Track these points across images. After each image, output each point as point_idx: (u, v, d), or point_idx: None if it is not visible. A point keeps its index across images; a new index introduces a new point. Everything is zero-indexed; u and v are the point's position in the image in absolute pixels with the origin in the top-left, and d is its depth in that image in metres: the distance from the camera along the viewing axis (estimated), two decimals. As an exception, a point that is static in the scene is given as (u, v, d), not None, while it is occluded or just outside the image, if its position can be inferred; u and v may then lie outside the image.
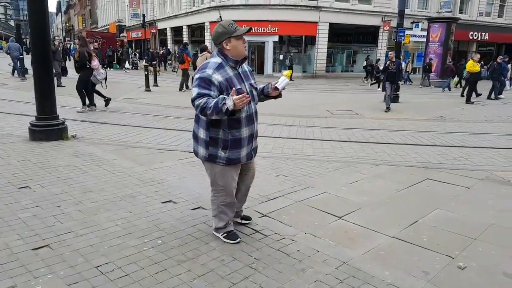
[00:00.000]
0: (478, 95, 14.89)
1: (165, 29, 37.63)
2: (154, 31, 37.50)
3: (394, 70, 11.42)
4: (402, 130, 8.49)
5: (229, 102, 2.57)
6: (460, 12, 29.66)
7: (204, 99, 2.63)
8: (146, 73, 14.65)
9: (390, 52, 12.74)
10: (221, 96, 2.66)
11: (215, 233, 3.16)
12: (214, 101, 2.61)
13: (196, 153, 3.00)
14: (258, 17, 24.93)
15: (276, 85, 2.95)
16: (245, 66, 2.96)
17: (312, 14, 25.31)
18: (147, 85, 14.67)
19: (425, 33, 23.35)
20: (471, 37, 30.65)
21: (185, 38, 33.81)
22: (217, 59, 2.78)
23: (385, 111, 11.24)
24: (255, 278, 2.61)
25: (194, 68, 13.09)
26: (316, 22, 25.53)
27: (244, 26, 2.88)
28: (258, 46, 26.67)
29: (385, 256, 2.97)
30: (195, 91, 2.70)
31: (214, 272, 2.66)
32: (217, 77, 2.68)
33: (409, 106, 12.23)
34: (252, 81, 2.97)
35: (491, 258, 2.99)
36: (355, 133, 7.89)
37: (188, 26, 33.04)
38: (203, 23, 29.31)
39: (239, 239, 3.09)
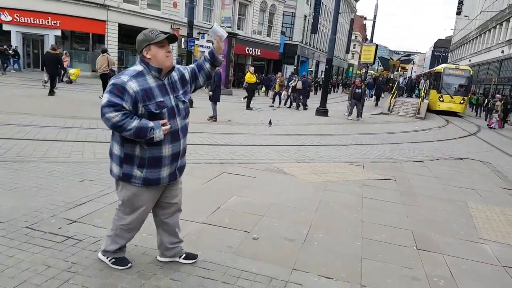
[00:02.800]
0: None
1: None
2: None
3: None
4: (199, 132, 9.26)
5: (159, 133, 2.37)
6: (238, 29, 33.90)
7: (120, 116, 2.29)
8: None
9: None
10: (145, 122, 2.34)
11: (101, 256, 2.81)
12: (138, 125, 2.31)
13: (110, 171, 2.62)
14: (34, 7, 21.91)
15: (220, 36, 2.71)
16: (175, 75, 2.60)
17: (99, 12, 24.03)
18: None
19: (210, 44, 25.63)
20: (247, 52, 35.34)
21: None
22: (138, 67, 2.46)
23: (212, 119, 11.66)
24: (76, 280, 2.59)
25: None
26: (105, 21, 24.40)
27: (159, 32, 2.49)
28: (35, 40, 23.49)
29: (197, 239, 3.41)
30: (105, 97, 2.32)
31: (28, 282, 2.50)
32: (133, 86, 2.33)
33: (200, 111, 13.26)
34: (181, 93, 2.58)
35: (275, 229, 3.84)
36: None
37: None
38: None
39: (130, 264, 2.77)
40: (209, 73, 2.82)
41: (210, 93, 11.94)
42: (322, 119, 15.18)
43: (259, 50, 36.64)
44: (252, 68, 18.00)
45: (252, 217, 4.06)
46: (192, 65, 2.80)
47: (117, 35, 25.14)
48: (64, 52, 19.42)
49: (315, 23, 43.88)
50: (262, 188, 5.17)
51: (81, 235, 3.25)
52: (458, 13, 42.58)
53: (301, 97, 18.39)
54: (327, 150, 8.57)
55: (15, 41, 21.54)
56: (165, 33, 2.52)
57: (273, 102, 18.86)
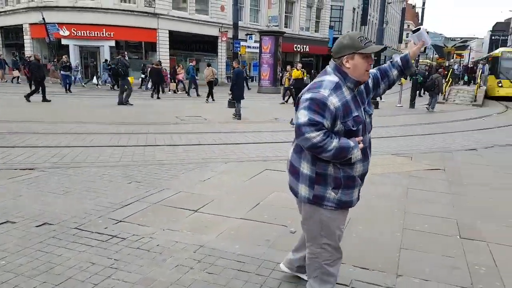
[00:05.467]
0: None
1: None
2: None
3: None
4: (244, 131, 9.36)
5: (358, 153, 2.08)
6: (285, 26, 33.70)
7: (321, 136, 1.99)
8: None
9: (234, 61, 13.06)
10: (345, 140, 2.05)
11: None
12: (338, 145, 2.01)
13: (295, 193, 2.31)
14: (89, 21, 23.38)
15: (424, 42, 2.38)
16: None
17: (150, 21, 25.13)
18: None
19: (258, 44, 25.78)
20: (295, 49, 35.12)
21: (-2, 41, 29.33)
22: (333, 77, 2.11)
23: (237, 118, 11.51)
24: (117, 276, 2.71)
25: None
26: (156, 29, 25.46)
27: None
28: (92, 52, 25.13)
29: (235, 234, 3.44)
30: (304, 115, 2.02)
31: (73, 279, 2.65)
32: (334, 101, 2.02)
33: (248, 111, 13.37)
34: (366, 104, 2.23)
35: (315, 224, 3.74)
36: (205, 137, 8.34)
37: (1, 27, 28.82)
38: (21, 25, 25.99)
39: None
40: (394, 81, 2.43)
41: (229, 92, 11.82)
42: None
43: (307, 47, 36.22)
44: (299, 65, 17.69)
45: (291, 211, 3.95)
46: (374, 71, 2.43)
47: (168, 42, 26.15)
48: (179, 64, 21.92)
49: (365, 15, 42.44)
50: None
51: (125, 233, 3.40)
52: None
53: None
54: (374, 142, 8.15)
55: (73, 54, 23.11)
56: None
57: (283, 98, 17.61)
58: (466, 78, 28.36)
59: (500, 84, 21.54)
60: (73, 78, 20.00)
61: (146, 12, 24.84)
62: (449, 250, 3.29)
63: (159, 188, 4.66)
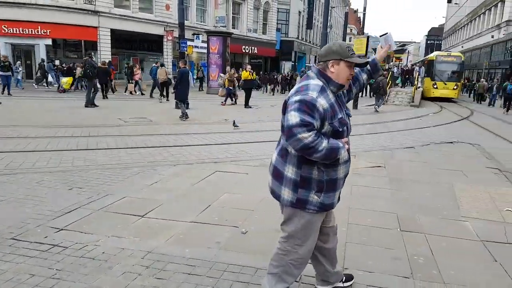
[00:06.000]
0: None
1: None
2: None
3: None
4: (193, 133, 9.23)
5: (345, 153, 2.16)
6: (233, 28, 33.79)
7: (313, 136, 2.03)
8: None
9: (181, 62, 12.70)
10: (334, 141, 2.11)
11: None
12: (328, 146, 2.07)
13: (277, 196, 2.31)
14: (23, 17, 21.74)
15: (390, 46, 2.56)
16: None
17: (90, 19, 23.98)
18: None
19: (205, 44, 25.55)
20: (243, 50, 35.32)
21: None
22: (317, 81, 2.18)
23: (184, 118, 11.34)
24: (60, 286, 2.58)
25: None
26: (96, 27, 24.36)
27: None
28: (26, 50, 23.44)
29: (185, 238, 3.39)
30: (295, 116, 2.04)
31: (10, 293, 2.46)
32: (322, 103, 2.09)
33: (197, 112, 13.26)
34: (345, 107, 2.34)
35: (264, 222, 3.80)
36: (151, 139, 8.13)
37: None
38: None
39: None
40: (364, 84, 2.62)
41: (173, 91, 11.79)
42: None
43: (256, 48, 36.58)
44: (249, 67, 17.69)
45: (242, 212, 4.04)
46: None
47: (110, 40, 25.13)
48: (136, 65, 21.47)
49: (310, 18, 43.77)
50: (253, 183, 5.13)
51: (68, 242, 3.23)
52: (449, 0, 42.09)
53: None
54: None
55: (4, 53, 21.39)
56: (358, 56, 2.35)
57: (225, 100, 16.93)
58: (399, 80, 29.99)
59: (435, 86, 23.25)
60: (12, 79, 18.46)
61: (86, 10, 23.65)
62: (390, 243, 3.49)
63: (102, 194, 4.46)
